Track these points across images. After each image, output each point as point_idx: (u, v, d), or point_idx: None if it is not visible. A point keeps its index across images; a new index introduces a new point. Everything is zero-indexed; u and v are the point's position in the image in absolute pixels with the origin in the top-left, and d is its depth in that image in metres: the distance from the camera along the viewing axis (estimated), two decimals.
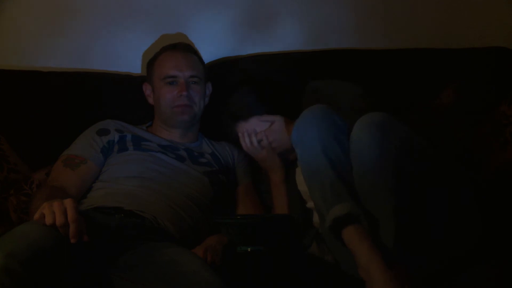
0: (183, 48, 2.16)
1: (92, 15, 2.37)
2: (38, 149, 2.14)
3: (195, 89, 2.10)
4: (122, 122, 2.13)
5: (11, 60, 2.32)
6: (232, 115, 2.09)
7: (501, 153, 2.01)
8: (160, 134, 2.13)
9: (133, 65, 2.38)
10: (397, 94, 2.25)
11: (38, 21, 2.35)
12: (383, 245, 1.56)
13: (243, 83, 2.13)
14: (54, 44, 2.35)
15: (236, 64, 2.35)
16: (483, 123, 2.11)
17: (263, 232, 1.64)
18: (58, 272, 1.46)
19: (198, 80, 2.11)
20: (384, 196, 1.57)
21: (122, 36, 2.39)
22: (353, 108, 1.83)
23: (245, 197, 2.10)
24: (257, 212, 2.05)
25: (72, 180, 1.92)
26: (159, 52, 2.17)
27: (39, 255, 1.41)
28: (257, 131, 2.07)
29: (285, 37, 2.44)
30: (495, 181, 1.97)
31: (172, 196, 1.90)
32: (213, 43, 2.39)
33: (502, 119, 2.06)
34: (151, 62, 2.17)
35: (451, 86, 2.23)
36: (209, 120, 2.21)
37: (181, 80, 2.08)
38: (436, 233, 1.65)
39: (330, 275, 1.72)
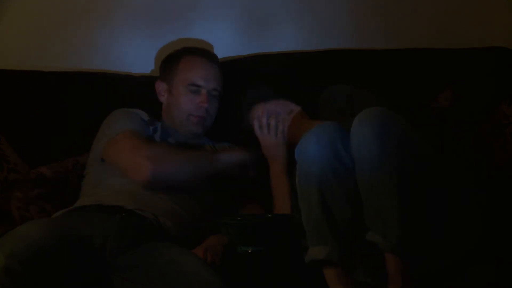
0: (211, 57, 2.13)
1: (92, 15, 2.37)
2: (38, 149, 2.14)
3: (214, 103, 2.09)
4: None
5: (11, 60, 2.32)
6: (253, 97, 2.10)
7: (501, 153, 2.01)
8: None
9: (134, 65, 2.38)
10: (397, 94, 2.25)
11: (38, 21, 2.35)
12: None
13: (265, 74, 2.15)
14: (54, 44, 2.36)
15: (236, 64, 2.35)
16: (483, 123, 2.11)
17: (263, 232, 1.64)
18: (58, 272, 1.46)
19: (217, 94, 2.10)
20: (387, 192, 1.55)
21: (122, 36, 2.39)
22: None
23: (245, 197, 2.10)
24: (256, 213, 2.05)
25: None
26: (183, 53, 2.13)
27: (39, 255, 1.42)
28: (272, 114, 2.06)
29: (285, 37, 2.44)
30: (495, 181, 1.97)
31: (173, 195, 1.90)
32: (213, 43, 2.39)
33: (502, 119, 2.06)
34: (172, 62, 2.13)
35: (449, 87, 2.23)
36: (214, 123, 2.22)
37: (204, 91, 2.06)
38: (436, 233, 1.65)
39: None
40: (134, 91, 2.24)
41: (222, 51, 2.38)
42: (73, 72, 2.30)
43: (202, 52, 2.14)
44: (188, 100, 2.06)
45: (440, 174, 1.69)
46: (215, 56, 2.16)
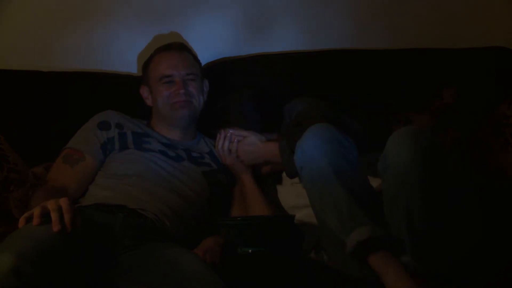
0: (177, 47, 2.16)
1: (92, 15, 2.37)
2: (38, 149, 2.14)
3: (193, 85, 2.10)
4: (124, 115, 2.12)
5: (11, 60, 2.32)
6: (225, 104, 2.13)
7: (501, 154, 2.01)
8: (159, 133, 2.13)
9: (133, 65, 2.38)
10: (397, 94, 2.25)
11: (38, 21, 2.35)
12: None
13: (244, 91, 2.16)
14: (54, 44, 2.36)
15: (236, 64, 2.35)
16: (483, 124, 2.11)
17: (264, 233, 1.64)
18: (64, 271, 1.46)
19: (195, 77, 2.12)
20: (418, 216, 1.57)
21: (122, 36, 2.39)
22: (324, 116, 1.83)
23: (241, 196, 2.10)
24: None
25: (71, 179, 1.93)
26: (153, 53, 2.17)
27: (46, 255, 1.42)
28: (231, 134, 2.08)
29: (285, 37, 2.44)
30: (495, 181, 1.97)
31: (172, 196, 1.91)
32: (213, 43, 2.39)
33: (502, 119, 2.06)
34: (146, 64, 2.17)
35: (453, 85, 2.23)
36: (208, 119, 2.21)
37: (178, 79, 2.08)
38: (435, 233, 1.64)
39: (330, 276, 1.72)
40: (134, 91, 2.24)
41: (222, 51, 2.38)
42: (73, 72, 2.30)
43: (169, 46, 2.17)
44: (165, 91, 2.09)
45: (440, 174, 1.69)
46: (182, 45, 2.18)
